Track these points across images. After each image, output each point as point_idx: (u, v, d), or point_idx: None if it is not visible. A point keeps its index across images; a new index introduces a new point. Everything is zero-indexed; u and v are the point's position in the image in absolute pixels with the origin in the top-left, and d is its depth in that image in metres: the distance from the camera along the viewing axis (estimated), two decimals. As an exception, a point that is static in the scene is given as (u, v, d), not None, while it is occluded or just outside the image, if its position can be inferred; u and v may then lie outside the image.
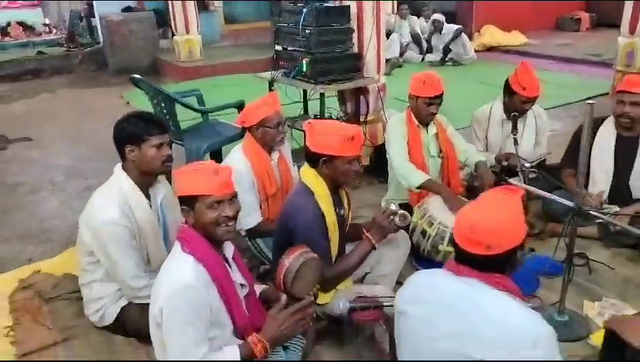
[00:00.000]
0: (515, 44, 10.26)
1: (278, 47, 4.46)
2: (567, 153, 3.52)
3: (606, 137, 3.29)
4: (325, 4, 4.12)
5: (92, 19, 10.33)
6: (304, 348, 2.25)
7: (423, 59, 9.41)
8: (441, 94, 3.30)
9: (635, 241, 3.09)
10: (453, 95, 6.02)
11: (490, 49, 10.13)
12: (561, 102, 6.26)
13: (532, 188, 2.70)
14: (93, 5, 10.20)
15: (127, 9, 9.81)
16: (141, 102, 5.57)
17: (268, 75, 4.51)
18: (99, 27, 9.81)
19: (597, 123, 3.36)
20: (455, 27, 9.17)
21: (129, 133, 2.40)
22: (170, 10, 8.73)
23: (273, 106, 2.99)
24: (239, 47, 10.33)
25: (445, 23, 9.28)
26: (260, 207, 3.02)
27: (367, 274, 2.80)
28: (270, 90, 4.53)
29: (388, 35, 9.56)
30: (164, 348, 1.90)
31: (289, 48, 4.31)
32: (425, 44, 9.58)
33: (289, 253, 2.19)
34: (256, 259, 3.06)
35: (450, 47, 9.10)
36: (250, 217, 2.94)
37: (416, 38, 9.56)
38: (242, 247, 2.91)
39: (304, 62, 4.06)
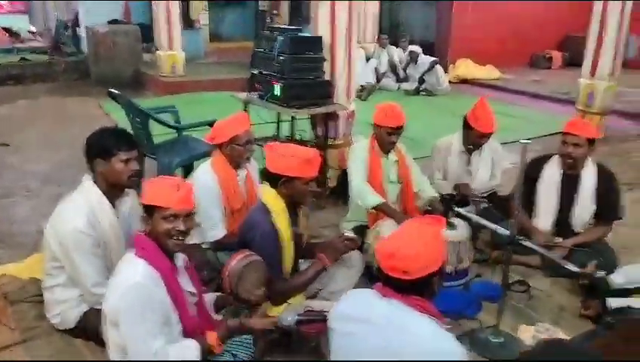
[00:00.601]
0: (489, 78, 10.65)
1: (255, 71, 4.67)
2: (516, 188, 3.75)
3: (551, 174, 3.53)
4: (300, 34, 4.35)
5: (77, 29, 10.47)
6: (254, 357, 2.42)
7: (398, 88, 9.73)
8: (402, 125, 3.52)
9: (572, 271, 3.32)
10: (423, 124, 6.30)
11: (465, 81, 10.50)
12: (523, 135, 6.54)
13: (473, 216, 2.93)
14: (79, 15, 10.35)
15: (113, 21, 9.97)
16: (120, 114, 5.70)
17: (244, 95, 4.72)
18: (84, 37, 9.94)
19: (544, 160, 3.62)
20: (431, 59, 9.53)
21: (99, 147, 2.55)
22: (155, 25, 8.92)
23: (243, 125, 3.15)
24: (222, 64, 10.55)
25: (421, 55, 9.63)
26: (226, 221, 3.15)
27: (319, 290, 2.98)
28: (245, 110, 4.73)
29: (368, 60, 9.91)
30: (116, 345, 2.06)
31: (264, 72, 4.53)
32: (401, 73, 9.91)
33: (232, 257, 2.36)
34: (216, 272, 3.20)
35: (425, 77, 9.45)
36: (214, 230, 3.08)
37: (393, 67, 9.89)
38: (202, 261, 3.06)
39: (277, 86, 4.27)
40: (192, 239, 2.99)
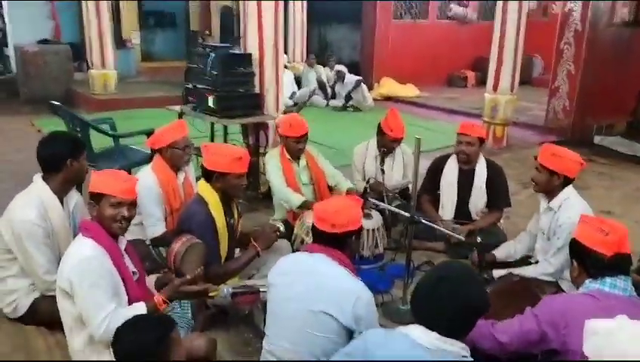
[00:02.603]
0: (410, 95, 11.42)
1: (188, 85, 5.02)
2: (424, 183, 4.29)
3: (450, 171, 4.10)
4: (231, 51, 4.76)
5: (5, 48, 10.35)
6: (193, 330, 2.74)
7: (327, 104, 10.31)
8: (306, 133, 3.98)
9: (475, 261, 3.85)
10: (349, 136, 6.81)
11: (388, 98, 11.20)
12: (438, 145, 7.23)
13: (385, 205, 3.41)
14: (7, 34, 10.26)
15: (43, 41, 9.96)
16: (53, 129, 5.84)
17: (178, 107, 5.05)
18: (12, 56, 9.87)
19: (445, 159, 4.20)
20: (356, 78, 10.18)
21: (72, 148, 2.84)
22: (87, 44, 9.05)
23: (181, 131, 3.48)
24: (154, 83, 10.73)
25: (347, 73, 10.27)
26: (165, 220, 3.44)
27: (253, 274, 3.35)
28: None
29: (297, 80, 10.46)
30: (71, 316, 2.31)
31: (198, 86, 4.88)
32: (329, 91, 10.51)
33: (177, 240, 2.70)
34: (156, 264, 3.49)
35: (352, 95, 10.08)
36: (155, 227, 3.37)
37: (321, 85, 10.47)
38: (145, 253, 3.34)
39: (210, 98, 4.64)
40: (136, 235, 3.30)
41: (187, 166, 3.62)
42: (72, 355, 2.39)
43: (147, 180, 3.35)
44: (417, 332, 1.70)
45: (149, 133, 4.79)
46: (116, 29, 10.31)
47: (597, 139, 7.94)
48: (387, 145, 4.32)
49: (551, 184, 3.17)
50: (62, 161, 2.82)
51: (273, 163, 4.00)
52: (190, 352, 2.27)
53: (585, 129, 7.93)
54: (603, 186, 5.97)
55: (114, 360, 1.88)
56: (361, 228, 2.35)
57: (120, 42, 10.67)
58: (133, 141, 5.14)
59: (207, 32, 11.96)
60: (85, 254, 2.27)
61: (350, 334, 2.11)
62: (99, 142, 5.09)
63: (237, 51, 4.95)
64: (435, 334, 1.68)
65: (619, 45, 8.00)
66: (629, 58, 8.07)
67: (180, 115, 5.01)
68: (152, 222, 3.38)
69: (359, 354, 1.78)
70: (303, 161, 4.08)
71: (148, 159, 4.09)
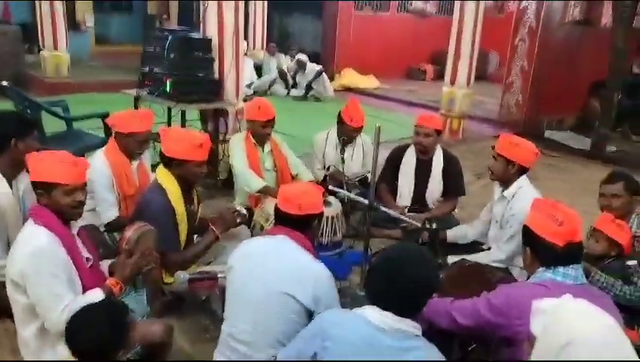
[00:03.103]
0: (370, 87, 11.53)
1: (145, 68, 4.91)
2: (382, 173, 4.34)
3: (409, 160, 4.17)
4: (189, 35, 4.67)
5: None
6: (149, 317, 2.70)
7: (288, 94, 10.27)
8: (274, 118, 3.96)
9: (426, 241, 3.94)
10: (310, 126, 6.82)
11: (348, 89, 11.27)
12: (397, 136, 7.33)
13: (344, 192, 3.44)
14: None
15: (-9, 21, 9.53)
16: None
17: (134, 92, 4.93)
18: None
19: (403, 149, 4.26)
20: (317, 67, 10.19)
21: (17, 127, 2.72)
22: (39, 25, 8.70)
23: (146, 125, 3.35)
24: (109, 67, 10.44)
25: (308, 63, 10.26)
26: (119, 205, 3.36)
27: (210, 262, 3.32)
28: (135, 106, 4.94)
29: (258, 68, 10.37)
30: (23, 308, 2.22)
31: (155, 70, 4.78)
32: (290, 80, 10.48)
33: (129, 227, 2.65)
34: (110, 250, 3.41)
35: (313, 85, 10.08)
36: (109, 212, 3.29)
37: (282, 74, 10.42)
38: (97, 239, 3.26)
39: (168, 82, 4.55)
40: (87, 221, 3.21)
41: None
42: (22, 345, 2.31)
43: (99, 165, 3.25)
44: (371, 312, 1.74)
45: (103, 117, 4.67)
46: (69, 10, 9.92)
47: (548, 133, 8.24)
48: (347, 134, 4.36)
49: (507, 173, 3.26)
50: (6, 140, 2.70)
51: (238, 146, 3.97)
52: (146, 338, 2.25)
53: (536, 123, 8.20)
54: (552, 178, 6.20)
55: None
56: (322, 214, 2.38)
57: (73, 24, 10.29)
58: (87, 125, 5.00)
59: (165, 16, 11.71)
60: (39, 244, 2.17)
61: (310, 315, 2.13)
62: (52, 126, 4.93)
63: (196, 36, 4.87)
64: (388, 314, 1.72)
65: (570, 43, 8.29)
66: (579, 55, 8.38)
67: (136, 101, 4.90)
68: (105, 207, 3.30)
69: (317, 334, 1.80)
70: (267, 147, 4.06)
71: (102, 144, 4.00)
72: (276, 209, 2.31)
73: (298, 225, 2.26)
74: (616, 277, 2.80)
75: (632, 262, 2.85)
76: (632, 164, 5.96)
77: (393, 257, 1.81)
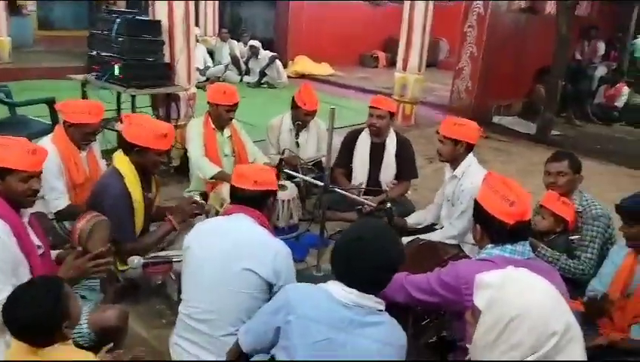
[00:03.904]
0: (324, 74, 11.55)
1: (92, 52, 4.74)
2: (337, 157, 4.37)
3: (363, 143, 4.22)
4: (137, 17, 4.54)
5: None
6: (103, 302, 2.64)
7: (241, 80, 10.16)
8: (238, 102, 3.94)
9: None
10: (263, 112, 6.79)
11: (302, 76, 11.25)
12: (351, 122, 7.40)
13: (300, 176, 3.46)
14: None
15: None
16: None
17: (81, 77, 4.76)
18: None
19: (358, 132, 4.30)
20: (270, 54, 10.11)
21: None
22: (-24, 8, 8.28)
23: (96, 117, 3.24)
24: (53, 52, 10.04)
25: (262, 50, 10.16)
26: (69, 195, 3.25)
27: (163, 248, 3.24)
28: (83, 92, 4.78)
29: (210, 54, 10.19)
30: None
31: (103, 53, 4.63)
32: (243, 67, 10.35)
33: (81, 218, 2.57)
34: (60, 238, 3.31)
35: (266, 71, 10.00)
36: (59, 200, 3.18)
37: (235, 61, 10.29)
38: (47, 227, 3.16)
39: (116, 66, 4.42)
40: (37, 208, 3.10)
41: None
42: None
43: (48, 152, 3.14)
44: (335, 288, 1.76)
45: (49, 102, 4.51)
46: (9, -7, 9.47)
47: (496, 119, 8.50)
48: (301, 118, 4.36)
49: (456, 152, 3.36)
50: None
51: (195, 131, 3.91)
52: (101, 323, 2.20)
53: (485, 109, 8.43)
54: (500, 161, 6.40)
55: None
56: (276, 192, 2.37)
57: (14, 9, 9.80)
58: (32, 112, 4.80)
59: (112, 1, 11.31)
60: None
61: (270, 288, 2.14)
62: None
63: (145, 18, 4.73)
64: (352, 290, 1.74)
65: (517, 30, 8.55)
66: (525, 42, 8.65)
67: (84, 86, 4.74)
68: (55, 196, 3.19)
69: (281, 308, 1.80)
70: (227, 132, 4.02)
71: (48, 130, 3.85)
72: (231, 187, 2.30)
73: (254, 202, 2.25)
74: (561, 251, 2.94)
75: (575, 237, 3.00)
76: (575, 148, 6.22)
77: (358, 235, 1.81)
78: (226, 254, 2.14)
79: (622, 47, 10.14)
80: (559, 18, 7.17)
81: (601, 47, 10.44)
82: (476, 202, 2.15)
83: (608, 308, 2.50)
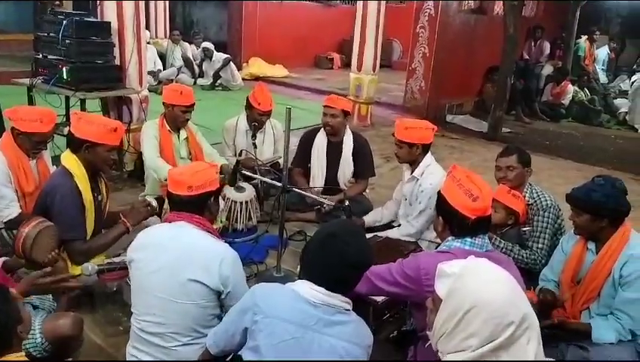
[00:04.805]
0: (279, 75, 11.51)
1: (38, 55, 4.58)
2: (295, 157, 4.38)
3: (320, 143, 4.23)
4: (85, 18, 4.42)
5: None
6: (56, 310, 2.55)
7: (195, 83, 10.01)
8: (194, 104, 3.90)
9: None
10: (218, 115, 6.72)
11: (257, 78, 11.17)
12: (307, 123, 7.40)
13: (258, 176, 3.44)
14: None
15: None
16: None
17: (27, 81, 4.59)
18: None
19: (315, 132, 4.32)
20: (224, 56, 10.01)
21: None
22: None
23: (47, 126, 3.12)
24: (-3, 57, 9.64)
25: (215, 52, 10.05)
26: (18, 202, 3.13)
27: (120, 253, 3.17)
28: (30, 96, 4.61)
29: (162, 57, 10.00)
30: None
31: (49, 56, 4.48)
32: (197, 69, 10.21)
33: (26, 224, 2.46)
34: (8, 247, 3.18)
35: (220, 73, 9.90)
36: (9, 209, 3.06)
37: (188, 63, 10.13)
38: (-6, 235, 3.05)
39: (64, 69, 4.28)
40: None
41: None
42: None
43: None
44: (303, 287, 1.75)
45: (-7, 108, 4.32)
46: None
47: (449, 118, 8.69)
48: (257, 119, 4.33)
49: (413, 154, 3.42)
50: None
51: (150, 133, 3.83)
52: (55, 332, 2.13)
53: (438, 108, 8.62)
54: (454, 158, 6.55)
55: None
56: (219, 190, 2.31)
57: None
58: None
59: (58, 3, 10.94)
60: None
61: (219, 296, 2.11)
62: None
63: (93, 19, 4.60)
64: (321, 289, 1.73)
65: (467, 30, 8.78)
66: (475, 42, 8.89)
67: (30, 91, 4.57)
68: (4, 204, 3.07)
69: (248, 309, 1.78)
70: (183, 134, 3.96)
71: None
72: (168, 193, 2.22)
73: (194, 206, 2.17)
74: (514, 242, 3.03)
75: (526, 229, 3.10)
76: (525, 144, 6.43)
77: (330, 234, 1.79)
78: (169, 266, 2.08)
79: (566, 47, 10.53)
80: (507, 18, 7.39)
81: (547, 46, 10.82)
82: (440, 194, 2.16)
83: (560, 304, 2.60)
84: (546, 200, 3.09)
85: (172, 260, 2.09)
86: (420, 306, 2.08)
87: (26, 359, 1.77)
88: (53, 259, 2.50)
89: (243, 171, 3.62)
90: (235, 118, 4.54)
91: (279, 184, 3.15)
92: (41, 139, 3.13)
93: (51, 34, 4.39)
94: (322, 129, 4.26)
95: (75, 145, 2.81)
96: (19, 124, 3.06)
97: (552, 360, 1.53)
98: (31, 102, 4.63)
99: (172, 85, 3.96)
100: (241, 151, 3.93)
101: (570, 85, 9.60)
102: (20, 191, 3.14)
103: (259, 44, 11.90)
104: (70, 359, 2.10)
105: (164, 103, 3.89)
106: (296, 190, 3.27)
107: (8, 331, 1.68)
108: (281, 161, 4.60)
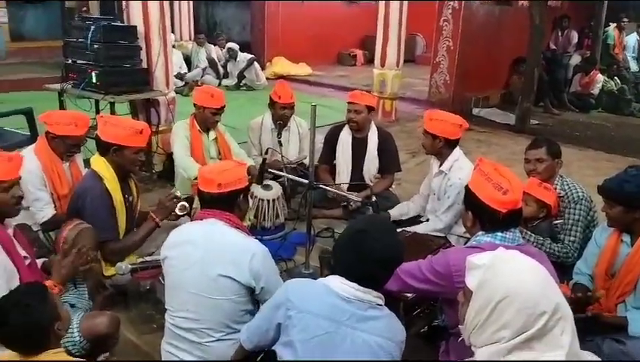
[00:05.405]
0: (302, 74, 11.54)
1: (68, 61, 4.69)
2: (321, 154, 4.39)
3: (345, 139, 4.23)
4: (112, 23, 4.50)
5: None
6: (92, 309, 2.62)
7: (219, 84, 10.10)
8: (224, 106, 3.95)
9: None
10: (244, 115, 6.79)
11: (281, 77, 11.22)
12: (332, 120, 7.40)
13: (284, 174, 3.47)
14: None
15: None
16: None
17: (57, 86, 4.70)
18: None
19: (339, 128, 4.32)
20: (249, 56, 10.08)
21: None
22: (-55, 22, 8.13)
23: (80, 129, 3.19)
24: (27, 64, 9.88)
25: (240, 52, 10.13)
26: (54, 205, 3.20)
27: (153, 252, 3.24)
28: (61, 101, 4.72)
29: (186, 59, 10.13)
30: None
31: (79, 61, 4.57)
32: (221, 70, 10.31)
33: (65, 226, 2.55)
34: (45, 249, 3.27)
35: (245, 73, 9.97)
36: (44, 211, 3.14)
37: (212, 64, 10.23)
38: (32, 238, 3.12)
39: (94, 74, 4.37)
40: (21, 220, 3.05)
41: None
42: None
43: (30, 164, 3.07)
44: (335, 282, 1.76)
45: (26, 113, 4.44)
46: (-22, 5, 9.31)
47: (475, 111, 8.58)
48: (280, 114, 4.36)
49: (435, 147, 3.40)
50: None
51: (181, 133, 3.92)
52: (93, 330, 2.19)
53: (464, 101, 8.51)
54: (481, 152, 6.46)
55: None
56: (247, 187, 2.33)
57: (-16, 21, 9.66)
58: (10, 124, 4.73)
59: (85, 9, 11.16)
60: None
61: (251, 292, 2.13)
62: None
63: (120, 24, 4.69)
64: (353, 284, 1.73)
65: (491, 22, 8.65)
66: (500, 34, 8.76)
67: (60, 96, 4.68)
68: (39, 207, 3.15)
69: (281, 304, 1.80)
70: (212, 134, 4.04)
71: (28, 141, 3.80)
72: (198, 191, 2.25)
73: (224, 203, 2.20)
74: (545, 236, 2.98)
75: (558, 222, 3.05)
76: (554, 135, 6.31)
77: (362, 229, 1.79)
78: (201, 262, 2.12)
79: (594, 36, 10.30)
80: (532, 8, 7.26)
81: (575, 36, 10.60)
82: (468, 189, 2.12)
83: (594, 301, 2.55)
84: (578, 192, 3.04)
85: (203, 256, 2.12)
86: (452, 302, 2.06)
87: (66, 355, 1.84)
88: (91, 259, 2.57)
89: (270, 169, 3.65)
90: (261, 117, 4.57)
91: (306, 181, 3.17)
92: (75, 143, 3.20)
93: (80, 39, 4.49)
94: (347, 125, 4.26)
95: (103, 148, 2.87)
96: (53, 128, 3.13)
97: (587, 352, 1.50)
98: (62, 106, 4.74)
99: (203, 87, 4.03)
100: (267, 149, 3.96)
101: (599, 75, 9.39)
102: (55, 193, 3.21)
103: (282, 43, 11.94)
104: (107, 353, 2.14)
105: (195, 104, 3.96)
106: (323, 187, 3.27)
107: (46, 329, 1.74)
108: (306, 160, 4.64)
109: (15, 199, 2.23)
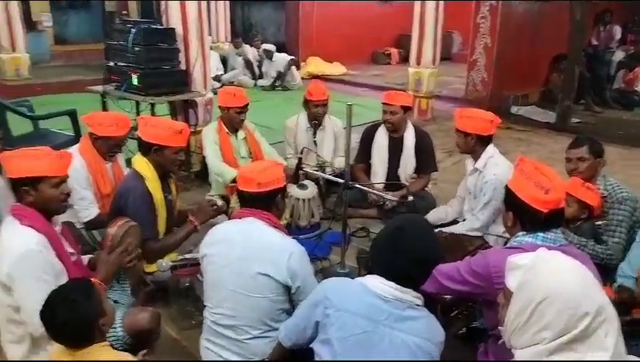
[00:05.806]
0: (337, 73, 11.56)
1: (110, 63, 4.82)
2: (357, 153, 4.39)
3: (381, 138, 4.22)
4: (152, 26, 4.61)
5: None
6: (134, 305, 2.69)
7: (255, 84, 10.22)
8: (248, 104, 3.99)
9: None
10: (280, 115, 6.85)
11: (315, 77, 11.26)
12: (367, 120, 7.39)
13: (320, 174, 3.48)
14: None
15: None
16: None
17: (100, 88, 4.84)
18: None
19: (375, 128, 4.31)
20: (288, 58, 10.17)
21: None
22: (-6, 26, 8.46)
23: (121, 130, 3.28)
24: (70, 66, 10.23)
25: (276, 53, 10.22)
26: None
27: (191, 250, 3.30)
28: (103, 103, 4.86)
29: (223, 60, 10.29)
30: (7, 307, 2.16)
31: (120, 64, 4.70)
32: (257, 71, 10.42)
33: (113, 224, 2.62)
34: (88, 247, 3.37)
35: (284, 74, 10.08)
36: (88, 210, 3.25)
37: (248, 65, 10.36)
38: (76, 235, 3.22)
39: (134, 76, 4.49)
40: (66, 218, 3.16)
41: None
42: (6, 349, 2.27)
43: (76, 163, 3.17)
44: (374, 281, 1.76)
45: (70, 114, 4.60)
46: (25, 10, 9.64)
47: (514, 109, 8.41)
48: (314, 112, 4.38)
49: (467, 144, 3.36)
50: None
51: (210, 138, 3.98)
52: (135, 325, 2.25)
53: (502, 99, 8.36)
54: (521, 151, 6.34)
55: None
56: (284, 189, 2.37)
57: (30, 24, 10.00)
58: (54, 125, 4.91)
59: (125, 13, 11.46)
60: (29, 247, 2.11)
61: (288, 290, 2.15)
62: (18, 127, 4.82)
63: (159, 27, 4.80)
64: (391, 283, 1.74)
65: (530, 18, 8.46)
66: (539, 30, 8.55)
67: (103, 97, 4.82)
68: (84, 206, 3.25)
69: (319, 303, 1.81)
70: (241, 134, 4.08)
71: (72, 142, 3.92)
72: (238, 191, 2.29)
73: (262, 203, 2.23)
74: (588, 237, 2.91)
75: (601, 222, 2.96)
76: (597, 134, 6.12)
77: (401, 228, 1.79)
78: (239, 260, 2.15)
79: (638, 31, 9.95)
80: (573, 4, 7.08)
81: (618, 31, 10.24)
82: (508, 189, 2.08)
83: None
84: (622, 192, 2.95)
85: (242, 254, 2.15)
86: (491, 304, 2.03)
87: (111, 349, 1.89)
88: (136, 256, 2.64)
89: (305, 169, 3.67)
90: (296, 117, 4.60)
91: (341, 181, 3.18)
92: (117, 143, 3.29)
93: (121, 42, 4.61)
94: (382, 125, 4.25)
95: (144, 148, 2.94)
96: (96, 129, 3.23)
97: (633, 357, 1.46)
98: (104, 108, 4.89)
99: (225, 88, 4.10)
100: (303, 149, 3.99)
101: (644, 71, 9.07)
102: (98, 192, 3.31)
103: (316, 43, 11.99)
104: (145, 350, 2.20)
105: (220, 107, 4.02)
106: (358, 186, 3.28)
107: (91, 324, 1.79)
108: (341, 164, 4.62)
109: (64, 196, 2.29)
